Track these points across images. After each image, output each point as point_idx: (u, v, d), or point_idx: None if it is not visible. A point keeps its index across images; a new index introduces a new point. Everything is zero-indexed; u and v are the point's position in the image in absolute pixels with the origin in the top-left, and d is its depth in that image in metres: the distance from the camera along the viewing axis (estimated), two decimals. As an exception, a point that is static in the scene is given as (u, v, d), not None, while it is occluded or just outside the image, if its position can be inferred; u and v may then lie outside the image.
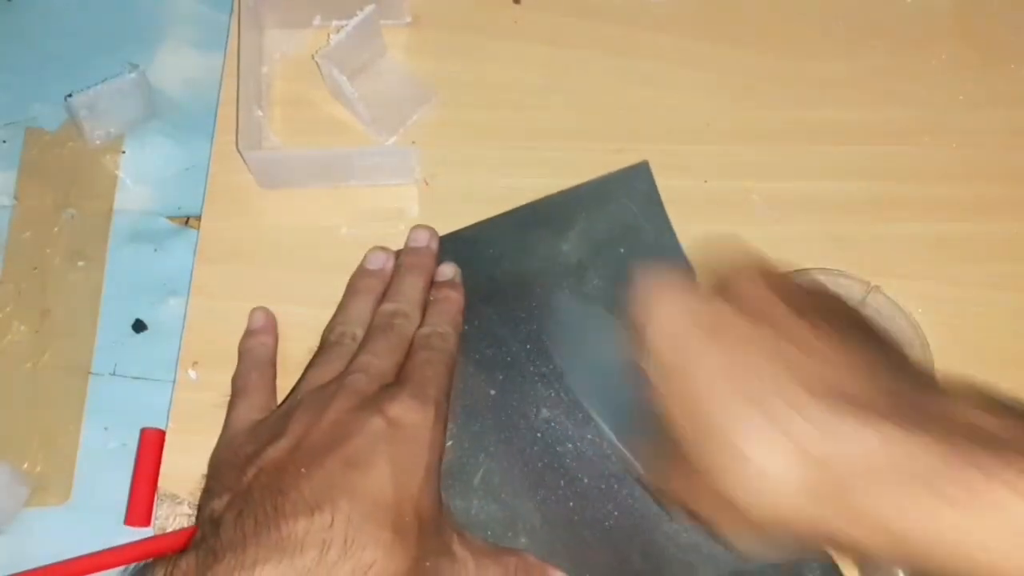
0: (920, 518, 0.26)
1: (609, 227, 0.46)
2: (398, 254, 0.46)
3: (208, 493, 0.37)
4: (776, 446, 0.28)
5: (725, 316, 0.31)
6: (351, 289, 0.44)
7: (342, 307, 0.44)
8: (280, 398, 0.43)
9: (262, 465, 0.35)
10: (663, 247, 0.46)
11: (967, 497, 0.26)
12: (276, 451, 0.36)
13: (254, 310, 0.45)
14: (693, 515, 0.32)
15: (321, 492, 0.33)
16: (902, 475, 0.27)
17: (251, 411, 0.40)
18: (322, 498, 0.33)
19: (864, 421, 0.27)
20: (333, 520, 0.33)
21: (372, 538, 0.33)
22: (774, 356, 0.29)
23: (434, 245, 0.45)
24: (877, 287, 0.44)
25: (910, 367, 0.32)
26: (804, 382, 0.28)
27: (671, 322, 0.32)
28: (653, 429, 0.32)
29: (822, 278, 0.44)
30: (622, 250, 0.46)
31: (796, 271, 0.45)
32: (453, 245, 0.46)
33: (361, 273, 0.45)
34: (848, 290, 0.44)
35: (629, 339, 0.33)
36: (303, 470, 0.34)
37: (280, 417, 0.38)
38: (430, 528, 0.36)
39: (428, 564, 0.35)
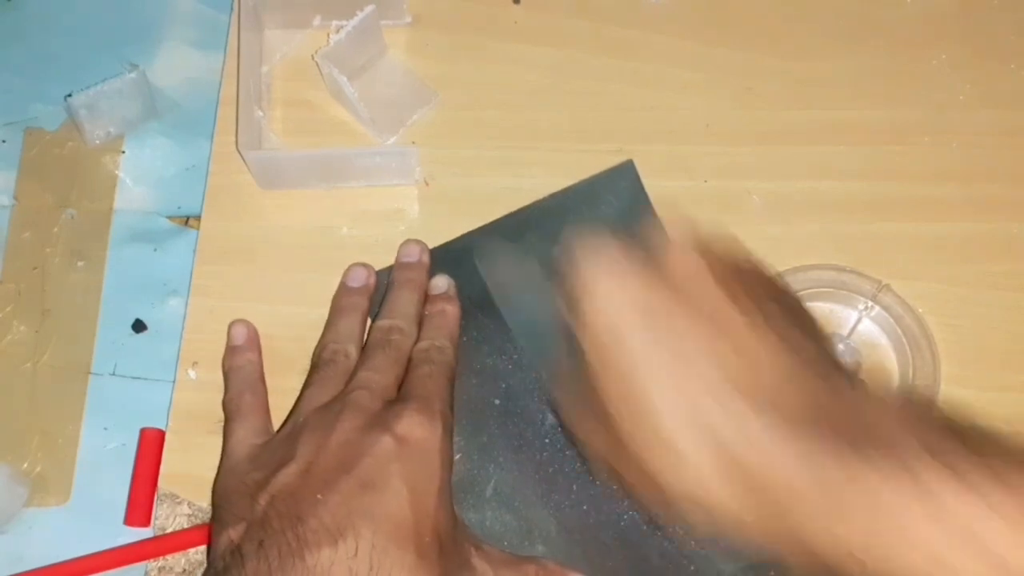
0: (820, 529, 0.28)
1: (598, 228, 0.46)
2: (389, 269, 0.45)
3: (220, 523, 0.36)
4: (700, 439, 0.30)
5: (663, 302, 0.31)
6: (336, 307, 0.44)
7: (330, 325, 0.43)
8: (278, 396, 0.43)
9: (275, 492, 0.35)
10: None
11: (860, 505, 0.28)
12: (287, 476, 0.35)
13: (233, 323, 0.44)
14: (616, 477, 0.33)
15: (341, 518, 0.33)
16: (809, 486, 0.28)
17: (250, 435, 0.40)
18: (343, 525, 0.33)
19: (781, 431, 0.29)
20: (357, 548, 0.33)
21: (396, 563, 0.33)
22: (709, 354, 0.30)
23: (426, 258, 0.45)
24: (887, 285, 0.44)
25: (828, 358, 0.33)
26: (734, 383, 0.30)
27: (609, 304, 0.32)
28: (580, 385, 0.33)
29: (833, 275, 0.45)
30: None
31: (807, 267, 0.45)
32: (444, 257, 0.46)
33: (344, 291, 0.45)
34: (858, 287, 0.44)
35: (562, 302, 0.34)
36: (319, 496, 0.34)
37: (285, 440, 0.38)
38: (449, 545, 0.36)
39: None
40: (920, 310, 0.44)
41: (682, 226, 0.34)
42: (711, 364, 0.30)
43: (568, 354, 0.34)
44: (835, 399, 0.30)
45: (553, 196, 0.47)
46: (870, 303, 0.44)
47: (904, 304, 0.44)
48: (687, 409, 0.30)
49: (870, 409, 0.30)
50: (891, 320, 0.44)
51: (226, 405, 0.42)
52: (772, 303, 0.33)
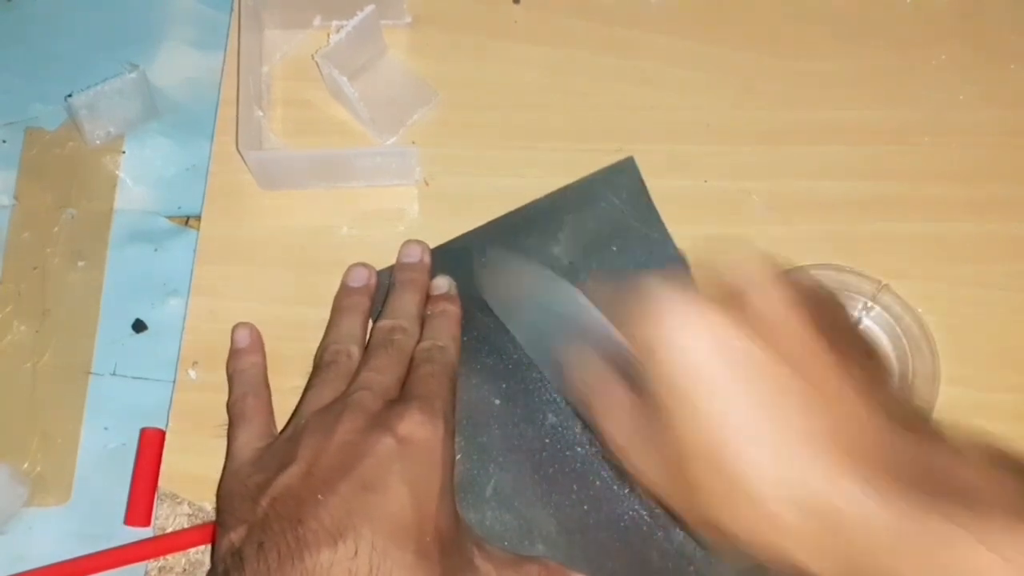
0: None
1: (598, 226, 0.46)
2: (389, 269, 0.45)
3: (223, 527, 0.36)
4: (786, 490, 0.28)
5: (749, 347, 0.29)
6: (337, 308, 0.44)
7: (332, 326, 0.43)
8: (279, 396, 0.43)
9: (275, 494, 0.35)
10: (653, 242, 0.46)
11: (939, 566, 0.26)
12: (288, 478, 0.35)
13: (237, 327, 0.44)
14: (662, 505, 0.32)
15: (341, 519, 0.33)
16: (894, 546, 0.27)
17: (253, 438, 0.40)
18: (343, 526, 0.33)
19: (872, 487, 0.27)
20: (357, 549, 0.33)
21: (396, 564, 0.33)
22: (800, 403, 0.29)
23: (427, 259, 0.45)
24: (887, 285, 0.44)
25: (903, 401, 0.32)
26: (826, 435, 0.28)
27: (687, 347, 0.29)
28: (644, 421, 0.31)
29: (833, 275, 0.44)
30: (614, 248, 0.46)
31: (807, 267, 0.45)
32: (445, 257, 0.46)
33: (345, 291, 0.45)
34: (858, 287, 0.44)
35: (630, 342, 0.32)
36: (319, 497, 0.34)
37: (287, 442, 0.38)
38: (450, 545, 0.36)
39: None
40: (920, 310, 0.44)
41: (760, 263, 0.31)
42: (803, 414, 0.28)
43: (632, 386, 0.32)
44: (919, 450, 0.29)
45: (553, 194, 0.47)
46: (870, 303, 0.44)
47: (904, 304, 0.44)
48: (776, 460, 0.28)
49: (952, 460, 0.29)
50: (891, 320, 0.44)
51: (230, 408, 0.42)
52: (848, 342, 0.31)
